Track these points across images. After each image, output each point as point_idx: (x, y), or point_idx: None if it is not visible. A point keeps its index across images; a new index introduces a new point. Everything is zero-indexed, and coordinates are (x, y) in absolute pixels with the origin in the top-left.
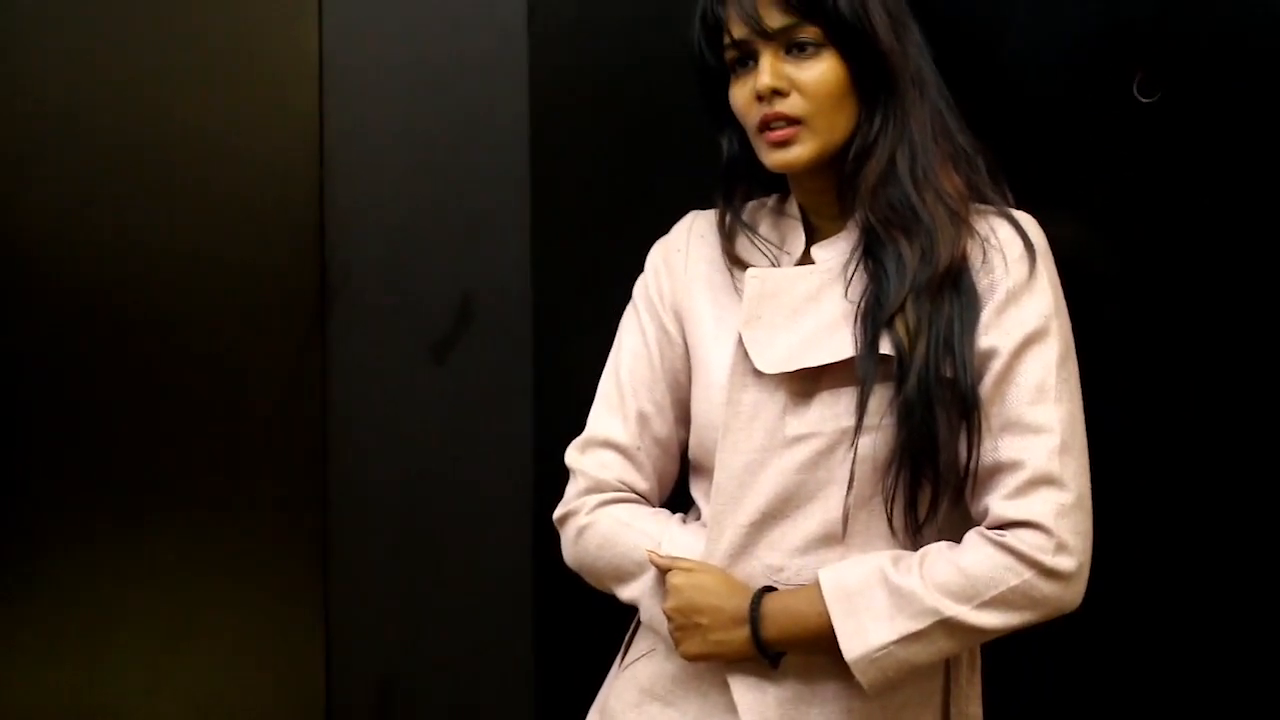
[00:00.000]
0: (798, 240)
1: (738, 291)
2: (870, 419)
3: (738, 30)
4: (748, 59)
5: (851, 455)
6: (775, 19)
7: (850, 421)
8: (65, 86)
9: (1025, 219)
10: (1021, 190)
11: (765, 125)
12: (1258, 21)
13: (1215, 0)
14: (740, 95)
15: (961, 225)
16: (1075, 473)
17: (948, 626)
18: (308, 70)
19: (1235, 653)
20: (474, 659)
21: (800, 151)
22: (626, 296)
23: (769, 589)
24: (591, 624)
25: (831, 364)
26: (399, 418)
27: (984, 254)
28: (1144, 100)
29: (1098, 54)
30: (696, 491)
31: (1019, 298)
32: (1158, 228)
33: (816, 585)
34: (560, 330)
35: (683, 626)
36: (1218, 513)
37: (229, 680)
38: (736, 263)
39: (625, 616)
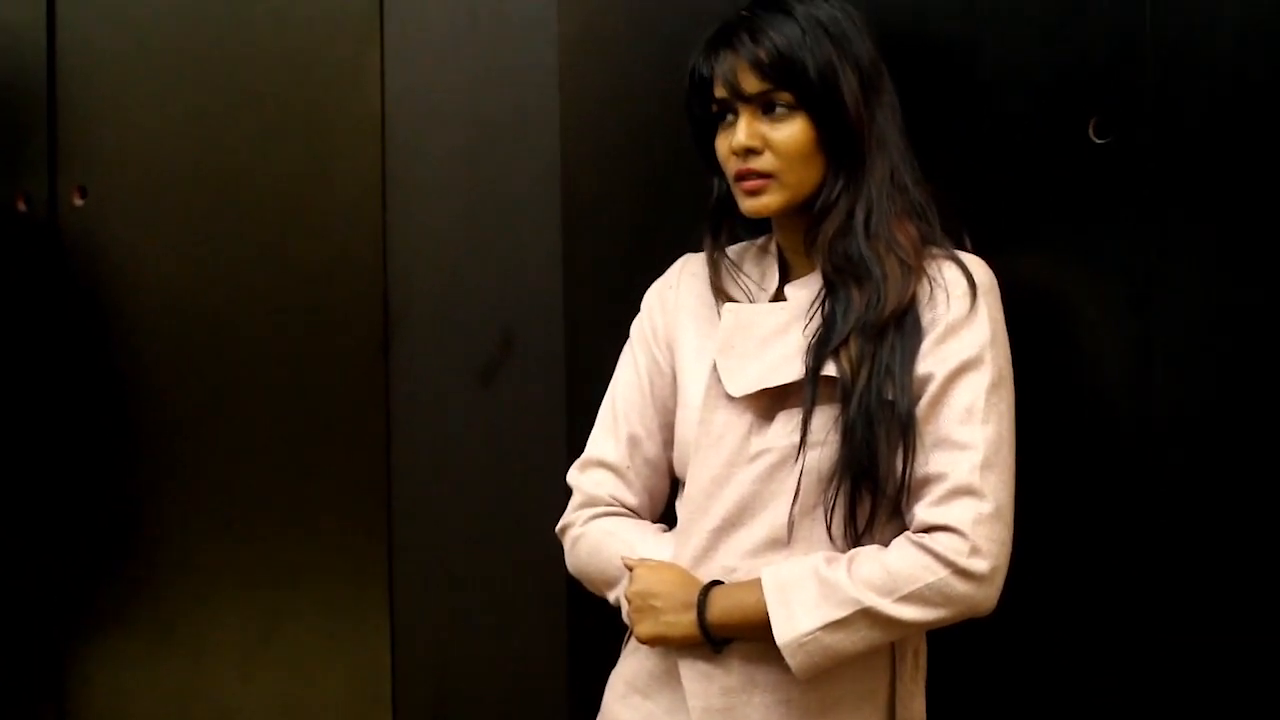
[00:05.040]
0: (773, 277)
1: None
2: (815, 435)
3: (719, 91)
4: (729, 114)
5: (799, 468)
6: (752, 85)
7: (799, 437)
8: (162, 143)
9: (973, 260)
10: (981, 229)
11: (741, 177)
12: (1203, 67)
13: (1163, 48)
14: (722, 147)
15: (911, 273)
16: (995, 487)
17: (869, 616)
18: (371, 130)
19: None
20: (517, 651)
21: (769, 200)
22: None
23: (718, 582)
24: (617, 620)
25: (792, 389)
26: (451, 434)
27: (931, 292)
28: (1099, 142)
29: (1055, 100)
30: (678, 504)
31: (958, 330)
32: (1111, 263)
33: (759, 579)
34: (589, 356)
35: (640, 609)
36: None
37: (310, 669)
38: (720, 294)
39: None
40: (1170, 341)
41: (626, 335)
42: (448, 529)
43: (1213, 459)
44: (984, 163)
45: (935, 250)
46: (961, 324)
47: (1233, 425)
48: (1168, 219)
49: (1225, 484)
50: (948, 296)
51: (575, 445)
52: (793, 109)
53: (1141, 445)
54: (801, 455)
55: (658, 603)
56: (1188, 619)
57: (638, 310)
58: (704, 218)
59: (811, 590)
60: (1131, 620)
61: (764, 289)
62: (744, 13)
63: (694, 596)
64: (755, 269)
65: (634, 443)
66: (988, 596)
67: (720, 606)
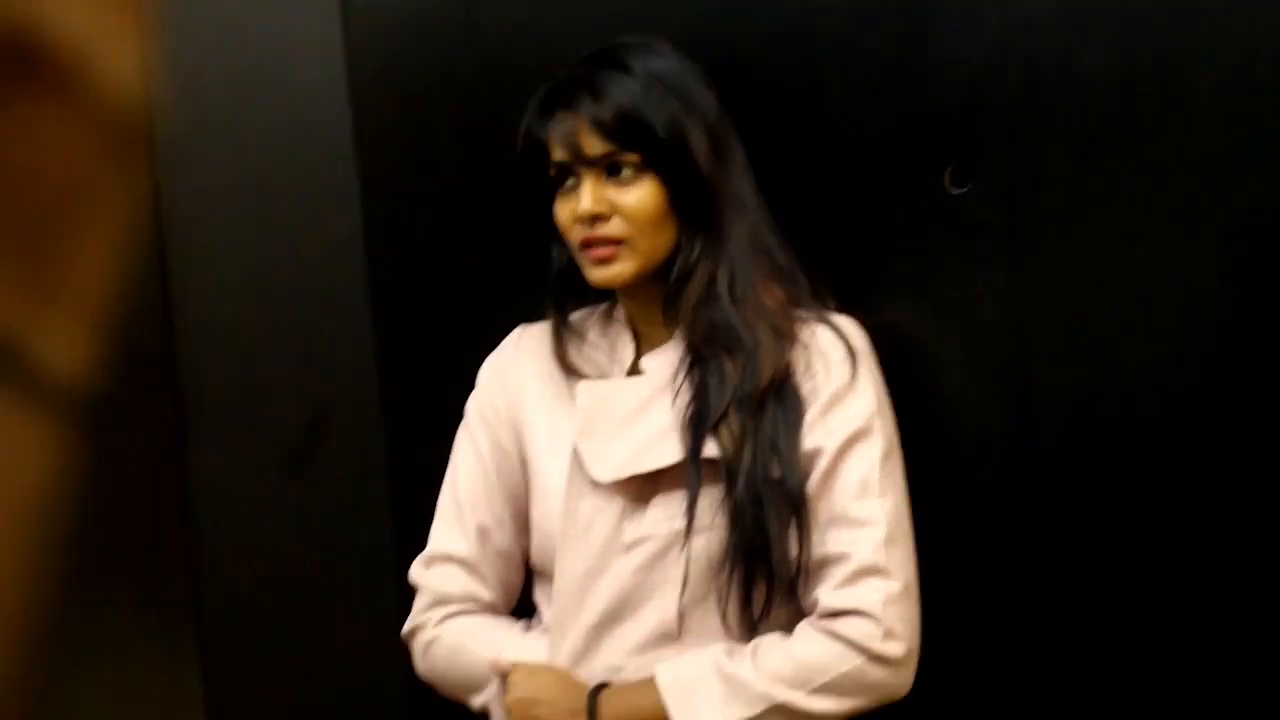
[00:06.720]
0: (627, 349)
1: (571, 399)
2: (701, 520)
3: (558, 154)
4: (569, 177)
5: (685, 556)
6: (595, 147)
7: (682, 524)
8: None
9: (845, 323)
10: (843, 289)
11: (587, 244)
12: (1056, 110)
13: (1014, 93)
14: (563, 214)
15: (784, 339)
16: (901, 563)
17: (781, 712)
18: (142, 204)
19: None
20: None
21: (621, 269)
22: None
23: (605, 684)
24: None
25: (665, 471)
26: (260, 532)
27: (807, 360)
28: (955, 192)
29: (908, 151)
30: (540, 596)
31: (842, 399)
32: (983, 317)
33: (653, 678)
34: (412, 437)
35: (522, 718)
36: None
37: None
38: (570, 371)
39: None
40: (1052, 394)
41: (452, 412)
42: (265, 637)
43: (1098, 514)
44: (839, 219)
45: (804, 314)
46: (845, 392)
47: (1118, 478)
48: (1035, 266)
49: (1113, 539)
50: (826, 364)
51: (402, 536)
52: (640, 170)
53: (1026, 504)
54: (688, 543)
55: (541, 711)
56: (1076, 670)
57: (462, 384)
58: (546, 289)
59: (715, 688)
60: (1025, 679)
61: (616, 361)
62: (577, 70)
63: (581, 701)
64: (603, 340)
65: (483, 534)
66: (905, 681)
67: (613, 711)
